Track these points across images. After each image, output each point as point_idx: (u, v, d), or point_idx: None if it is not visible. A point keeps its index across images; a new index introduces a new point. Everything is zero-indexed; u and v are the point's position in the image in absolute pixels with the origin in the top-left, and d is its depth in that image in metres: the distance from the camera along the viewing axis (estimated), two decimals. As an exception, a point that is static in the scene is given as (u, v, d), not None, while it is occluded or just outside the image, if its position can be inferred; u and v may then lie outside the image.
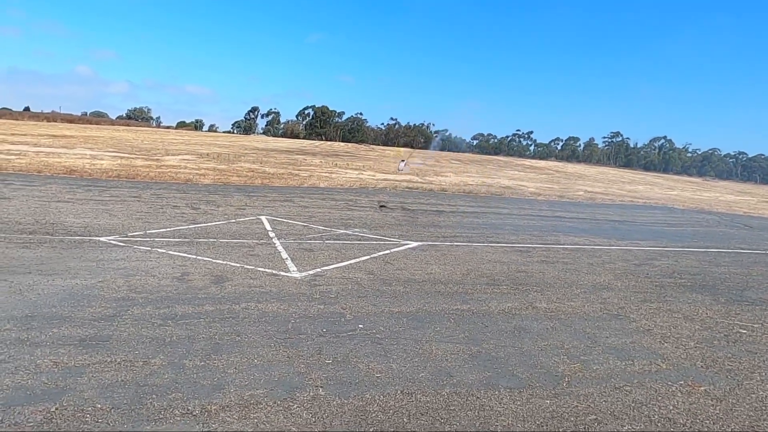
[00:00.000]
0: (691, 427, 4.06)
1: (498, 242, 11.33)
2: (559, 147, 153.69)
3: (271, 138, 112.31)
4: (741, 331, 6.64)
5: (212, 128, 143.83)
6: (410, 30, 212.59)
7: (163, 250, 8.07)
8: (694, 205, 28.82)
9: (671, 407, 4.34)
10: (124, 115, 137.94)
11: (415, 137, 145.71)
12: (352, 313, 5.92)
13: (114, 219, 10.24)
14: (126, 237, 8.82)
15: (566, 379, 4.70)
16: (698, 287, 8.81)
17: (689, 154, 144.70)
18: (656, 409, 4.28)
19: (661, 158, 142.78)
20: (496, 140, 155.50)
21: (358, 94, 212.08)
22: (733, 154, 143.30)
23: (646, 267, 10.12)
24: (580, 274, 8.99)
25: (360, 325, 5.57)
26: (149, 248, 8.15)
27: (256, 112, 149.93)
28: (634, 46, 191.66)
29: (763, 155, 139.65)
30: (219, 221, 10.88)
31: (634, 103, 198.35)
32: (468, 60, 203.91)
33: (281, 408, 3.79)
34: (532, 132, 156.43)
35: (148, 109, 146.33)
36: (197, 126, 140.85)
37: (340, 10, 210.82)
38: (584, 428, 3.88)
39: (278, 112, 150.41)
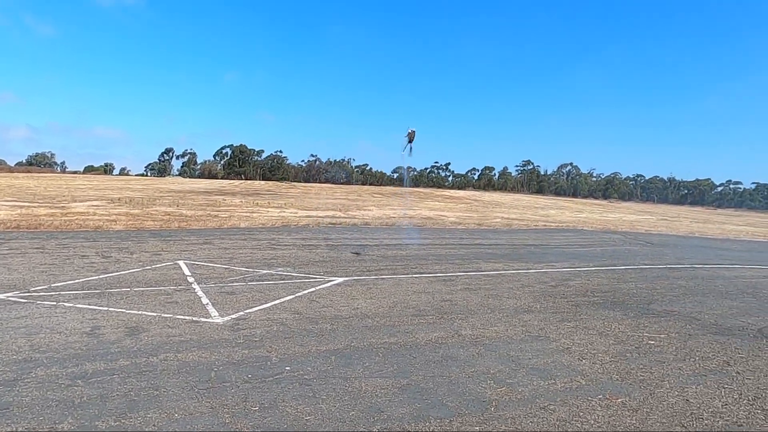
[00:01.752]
0: (611, 439, 4.24)
1: (422, 273, 11.50)
2: (475, 176, 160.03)
3: (187, 179, 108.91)
4: (650, 342, 7.07)
5: (124, 172, 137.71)
6: (329, 65, 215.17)
7: (71, 304, 7.54)
8: (601, 226, 30.70)
9: (592, 421, 4.53)
10: (25, 161, 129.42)
11: (336, 173, 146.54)
12: (279, 356, 5.77)
13: (13, 274, 9.47)
14: (28, 292, 8.16)
15: (494, 404, 4.79)
16: (609, 304, 9.33)
17: (594, 179, 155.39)
18: (578, 425, 4.44)
19: (570, 183, 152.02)
20: (416, 172, 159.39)
21: (278, 132, 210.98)
22: (632, 177, 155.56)
23: (562, 288, 10.62)
24: (501, 299, 9.27)
25: (287, 368, 5.43)
26: (54, 303, 7.58)
27: (171, 153, 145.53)
28: (540, 77, 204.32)
29: (658, 177, 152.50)
30: (133, 269, 10.33)
31: (542, 132, 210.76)
32: (386, 93, 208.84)
33: (205, 463, 3.60)
34: (449, 163, 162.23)
35: (52, 154, 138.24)
36: (107, 170, 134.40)
37: (257, 48, 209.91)
38: (513, 451, 3.96)
39: (195, 153, 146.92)
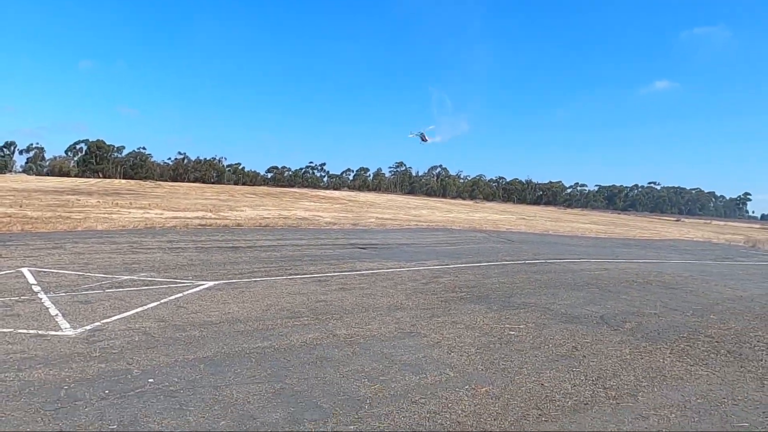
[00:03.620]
0: (477, 427, 4.49)
1: (297, 274, 11.36)
2: (350, 177, 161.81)
3: (33, 177, 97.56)
4: (510, 333, 7.61)
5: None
6: (197, 59, 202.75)
7: None
8: (468, 225, 32.52)
9: (460, 411, 4.76)
10: None
11: (207, 172, 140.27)
12: (141, 368, 5.36)
13: None
14: None
15: (368, 402, 4.85)
16: (475, 298, 9.90)
17: (462, 180, 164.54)
18: (447, 416, 4.65)
19: (440, 184, 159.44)
20: (290, 172, 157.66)
21: (141, 127, 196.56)
22: (495, 178, 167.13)
23: (433, 285, 11.07)
24: (375, 297, 9.45)
25: (150, 380, 5.06)
26: None
27: (12, 148, 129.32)
28: (410, 80, 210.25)
29: (517, 179, 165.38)
30: (-37, 279, 9.03)
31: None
32: (260, 90, 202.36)
33: (53, 493, 3.23)
34: (324, 164, 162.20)
35: None
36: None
37: (115, 35, 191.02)
38: (386, 447, 4.04)
39: (42, 148, 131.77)
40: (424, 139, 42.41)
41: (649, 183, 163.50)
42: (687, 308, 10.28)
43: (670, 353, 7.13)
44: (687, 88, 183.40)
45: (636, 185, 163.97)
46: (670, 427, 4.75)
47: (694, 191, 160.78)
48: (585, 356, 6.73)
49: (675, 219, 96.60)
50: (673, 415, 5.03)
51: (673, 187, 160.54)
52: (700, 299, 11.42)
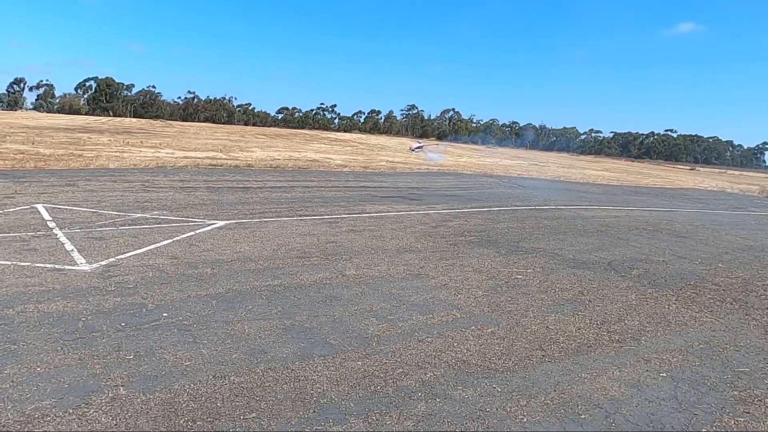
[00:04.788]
0: (481, 365, 4.61)
1: (307, 215, 11.43)
2: (362, 120, 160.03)
3: (44, 114, 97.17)
4: (518, 276, 7.69)
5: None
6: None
7: None
8: (479, 170, 32.32)
9: (465, 351, 4.88)
10: None
11: (217, 112, 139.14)
12: (155, 302, 5.50)
13: None
14: None
15: (375, 340, 4.98)
16: (484, 242, 9.95)
17: (474, 124, 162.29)
18: (453, 355, 4.77)
19: (451, 128, 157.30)
20: (301, 114, 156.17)
21: (151, 64, 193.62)
22: (508, 123, 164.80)
23: (442, 228, 11.12)
24: (385, 239, 9.52)
25: (164, 314, 5.20)
26: None
27: (22, 85, 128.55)
28: (425, 23, 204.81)
29: (531, 124, 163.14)
30: (-20, 214, 9.19)
31: (426, 79, 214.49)
32: (273, 28, 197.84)
33: (74, 416, 3.39)
34: (335, 105, 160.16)
35: None
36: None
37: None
38: (393, 382, 4.17)
39: (52, 85, 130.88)
40: (417, 148, 46.46)
41: (666, 131, 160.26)
42: (695, 256, 10.29)
43: (675, 300, 7.19)
44: (713, 31, 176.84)
45: (652, 132, 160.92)
46: (671, 370, 4.84)
47: (711, 140, 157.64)
48: (591, 301, 6.81)
49: (689, 168, 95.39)
50: (675, 359, 5.12)
51: (690, 135, 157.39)
52: (709, 248, 11.41)
